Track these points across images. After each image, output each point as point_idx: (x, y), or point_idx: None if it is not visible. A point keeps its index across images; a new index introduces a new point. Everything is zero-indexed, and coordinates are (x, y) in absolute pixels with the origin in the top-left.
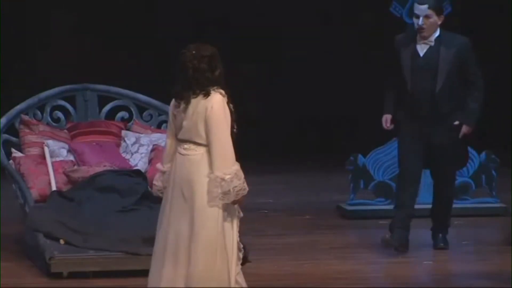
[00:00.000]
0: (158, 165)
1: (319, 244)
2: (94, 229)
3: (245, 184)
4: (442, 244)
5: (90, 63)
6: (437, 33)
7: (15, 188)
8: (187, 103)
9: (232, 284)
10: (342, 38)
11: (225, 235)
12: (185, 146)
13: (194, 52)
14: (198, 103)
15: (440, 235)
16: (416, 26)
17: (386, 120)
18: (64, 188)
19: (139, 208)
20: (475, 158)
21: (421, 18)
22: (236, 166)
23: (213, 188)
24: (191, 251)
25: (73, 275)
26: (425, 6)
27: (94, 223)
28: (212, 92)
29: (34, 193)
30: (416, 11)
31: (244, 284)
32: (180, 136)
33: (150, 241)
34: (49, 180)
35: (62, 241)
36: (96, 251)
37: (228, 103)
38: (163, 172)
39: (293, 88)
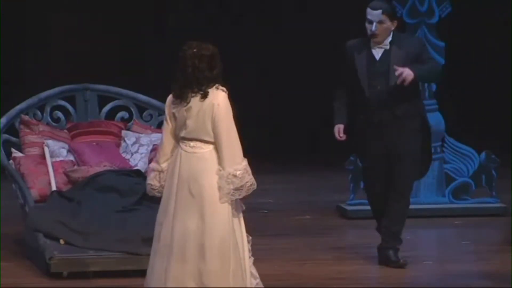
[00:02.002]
0: (153, 165)
1: (319, 244)
2: (94, 229)
3: (254, 179)
4: (398, 261)
5: (90, 63)
6: (390, 37)
7: (15, 188)
8: (187, 102)
9: (248, 277)
10: (343, 38)
11: (234, 230)
12: (191, 144)
13: (195, 50)
14: (202, 102)
15: (391, 251)
16: (369, 32)
17: (339, 130)
18: (64, 188)
19: (139, 208)
20: (475, 158)
21: (374, 24)
22: (245, 162)
23: (225, 185)
24: (205, 249)
25: (73, 275)
26: (379, 11)
27: (94, 223)
28: (214, 89)
29: (34, 193)
30: (369, 17)
31: (257, 275)
32: (185, 134)
33: (150, 241)
34: (49, 180)
35: (62, 241)
36: (96, 251)
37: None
38: (160, 171)
39: (293, 88)
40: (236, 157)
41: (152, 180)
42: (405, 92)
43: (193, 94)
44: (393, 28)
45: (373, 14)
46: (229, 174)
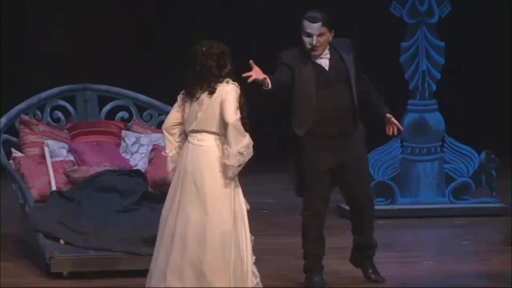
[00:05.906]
0: (163, 153)
1: None
2: (94, 229)
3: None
4: (379, 278)
5: (90, 63)
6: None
7: (15, 188)
8: (197, 98)
9: (250, 275)
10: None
11: (237, 228)
12: (199, 136)
13: (204, 49)
14: (212, 95)
15: (370, 267)
16: (308, 46)
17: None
18: (64, 188)
19: (139, 208)
20: (475, 158)
21: (314, 38)
22: (247, 137)
23: (231, 163)
24: (206, 240)
25: (73, 275)
26: (319, 24)
27: (94, 223)
28: (224, 84)
29: (34, 193)
30: (308, 30)
31: (257, 274)
32: (194, 126)
33: (150, 241)
34: (49, 180)
35: (62, 241)
36: (96, 251)
37: (240, 95)
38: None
39: None
40: (241, 135)
41: (168, 167)
42: (355, 101)
43: (202, 91)
44: (331, 39)
45: (313, 27)
46: (237, 152)
